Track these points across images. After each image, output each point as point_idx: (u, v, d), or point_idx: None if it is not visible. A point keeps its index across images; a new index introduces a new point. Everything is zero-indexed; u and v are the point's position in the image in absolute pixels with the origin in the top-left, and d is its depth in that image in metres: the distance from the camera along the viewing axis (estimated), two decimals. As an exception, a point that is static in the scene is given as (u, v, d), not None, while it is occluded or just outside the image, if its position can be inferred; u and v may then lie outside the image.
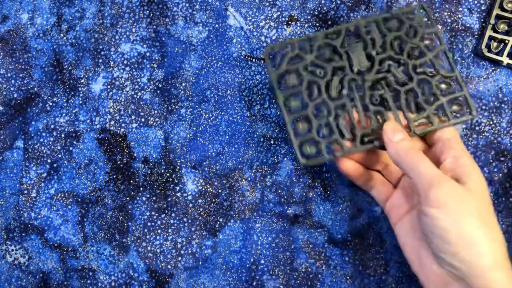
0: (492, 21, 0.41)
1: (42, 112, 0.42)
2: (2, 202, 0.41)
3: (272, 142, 0.41)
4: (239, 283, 0.40)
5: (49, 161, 0.41)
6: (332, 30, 0.36)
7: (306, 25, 0.42)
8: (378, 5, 0.42)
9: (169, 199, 0.41)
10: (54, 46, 0.43)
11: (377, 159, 0.37)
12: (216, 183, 0.41)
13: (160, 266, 0.40)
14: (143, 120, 0.41)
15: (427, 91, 0.36)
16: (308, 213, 0.40)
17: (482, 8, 0.42)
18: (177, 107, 0.41)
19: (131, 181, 0.41)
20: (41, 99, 0.42)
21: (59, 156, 0.41)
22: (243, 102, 0.41)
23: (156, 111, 0.41)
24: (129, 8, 0.43)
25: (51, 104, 0.42)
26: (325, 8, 0.42)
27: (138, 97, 0.42)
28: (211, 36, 0.42)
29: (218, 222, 0.40)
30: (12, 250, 0.41)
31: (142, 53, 0.42)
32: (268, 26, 0.42)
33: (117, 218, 0.41)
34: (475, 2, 0.42)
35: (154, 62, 0.42)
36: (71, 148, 0.41)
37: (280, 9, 0.42)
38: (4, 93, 0.42)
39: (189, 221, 0.40)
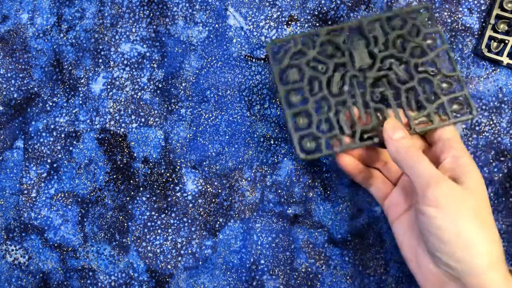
0: (492, 21, 0.41)
1: (42, 112, 0.42)
2: (2, 202, 0.41)
3: (272, 142, 0.41)
4: (239, 283, 0.40)
5: (49, 161, 0.41)
6: (335, 27, 0.36)
7: (306, 25, 0.42)
8: (378, 5, 0.42)
9: (169, 199, 0.41)
10: (54, 46, 0.43)
11: (376, 156, 0.37)
12: (216, 183, 0.41)
13: (160, 266, 0.40)
14: (143, 120, 0.41)
15: (428, 89, 0.36)
16: (308, 213, 0.40)
17: (482, 8, 0.42)
18: (177, 107, 0.41)
19: (131, 181, 0.41)
20: (41, 99, 0.42)
21: (59, 156, 0.41)
22: (243, 102, 0.41)
23: (156, 111, 0.41)
24: (129, 8, 0.43)
25: (51, 104, 0.42)
26: (325, 8, 0.42)
27: (138, 97, 0.42)
28: (211, 36, 0.42)
29: (218, 222, 0.40)
30: (12, 250, 0.41)
31: (142, 53, 0.42)
32: (268, 26, 0.42)
33: (117, 218, 0.41)
34: (475, 2, 0.42)
35: (154, 62, 0.42)
36: (71, 148, 0.41)
37: (280, 9, 0.42)
38: (4, 93, 0.42)
39: (189, 221, 0.40)
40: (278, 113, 0.41)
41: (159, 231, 0.40)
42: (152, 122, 0.41)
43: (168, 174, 0.41)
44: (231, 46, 0.42)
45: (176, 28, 0.42)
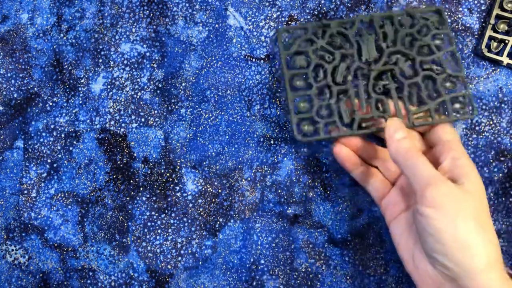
0: (492, 21, 0.41)
1: (42, 112, 0.42)
2: (2, 202, 0.41)
3: (272, 142, 0.41)
4: (239, 283, 0.40)
5: (49, 161, 0.41)
6: (347, 20, 0.37)
7: (306, 25, 0.42)
8: (378, 5, 0.42)
9: (169, 199, 0.41)
10: (54, 46, 0.43)
11: (375, 153, 0.37)
12: (216, 183, 0.41)
13: (160, 266, 0.40)
14: (143, 120, 0.41)
15: (431, 87, 0.36)
16: (308, 213, 0.40)
17: (482, 8, 0.42)
18: (177, 107, 0.41)
19: (131, 181, 0.41)
20: (41, 99, 0.42)
21: (59, 156, 0.41)
22: (243, 102, 0.41)
23: (156, 111, 0.41)
24: (129, 8, 0.43)
25: (51, 104, 0.42)
26: (324, 8, 0.42)
27: (138, 97, 0.42)
28: (211, 36, 0.42)
29: (218, 222, 0.40)
30: (12, 250, 0.41)
31: (142, 53, 0.42)
32: (268, 26, 0.42)
33: (117, 218, 0.41)
34: (475, 2, 0.42)
35: (154, 62, 0.42)
36: (71, 148, 0.41)
37: (280, 9, 0.42)
38: (4, 93, 0.42)
39: (189, 221, 0.40)
40: (278, 113, 0.41)
41: (159, 231, 0.40)
42: (152, 122, 0.41)
43: (168, 174, 0.41)
44: (231, 46, 0.42)
45: (176, 28, 0.42)
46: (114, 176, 0.41)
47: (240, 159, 0.41)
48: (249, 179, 0.40)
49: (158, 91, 0.42)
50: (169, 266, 0.40)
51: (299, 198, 0.40)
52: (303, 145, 0.41)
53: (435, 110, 0.36)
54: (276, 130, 0.41)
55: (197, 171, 0.41)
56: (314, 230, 0.40)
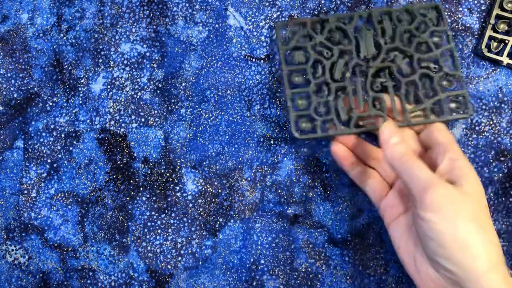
0: (492, 21, 0.40)
1: (42, 112, 0.42)
2: (2, 202, 0.41)
3: (272, 142, 0.41)
4: (239, 283, 0.40)
5: (49, 161, 0.41)
6: (345, 15, 0.37)
7: (306, 25, 0.42)
8: (378, 5, 0.42)
9: (169, 199, 0.41)
10: (54, 46, 0.43)
11: (373, 154, 0.37)
12: (216, 183, 0.41)
13: (160, 266, 0.40)
14: (143, 120, 0.41)
15: (428, 85, 0.36)
16: (308, 213, 0.40)
17: (482, 8, 0.42)
18: (177, 107, 0.41)
19: (131, 181, 0.41)
20: (41, 99, 0.42)
21: (59, 156, 0.41)
22: (243, 102, 0.41)
23: (156, 111, 0.41)
24: (129, 8, 0.43)
25: (51, 104, 0.42)
26: (324, 8, 0.42)
27: (138, 97, 0.42)
28: (211, 36, 0.42)
29: (218, 222, 0.40)
30: (12, 250, 0.41)
31: (142, 53, 0.42)
32: (268, 26, 0.42)
33: (117, 218, 0.41)
34: (475, 2, 0.42)
35: (154, 62, 0.42)
36: (71, 148, 0.41)
37: (280, 9, 0.42)
38: (4, 93, 0.42)
39: (189, 221, 0.40)
40: (278, 113, 0.41)
41: (159, 231, 0.40)
42: (152, 122, 0.41)
43: (168, 174, 0.41)
44: (231, 46, 0.42)
45: (176, 28, 0.42)
46: (114, 176, 0.41)
47: (240, 159, 0.41)
48: (249, 179, 0.40)
49: (158, 91, 0.42)
50: (169, 266, 0.40)
51: (299, 198, 0.40)
52: (303, 145, 0.41)
53: (431, 109, 0.36)
54: (276, 130, 0.41)
55: (197, 171, 0.41)
56: (314, 230, 0.40)
